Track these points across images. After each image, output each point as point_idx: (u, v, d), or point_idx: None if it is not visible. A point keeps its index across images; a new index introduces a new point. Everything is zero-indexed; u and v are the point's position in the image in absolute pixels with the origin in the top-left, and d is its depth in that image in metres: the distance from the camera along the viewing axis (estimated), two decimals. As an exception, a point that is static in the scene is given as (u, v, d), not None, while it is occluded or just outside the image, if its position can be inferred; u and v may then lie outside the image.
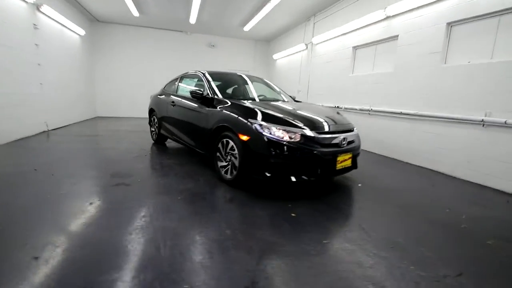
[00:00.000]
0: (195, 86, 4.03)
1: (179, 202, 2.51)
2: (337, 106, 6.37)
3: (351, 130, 3.09)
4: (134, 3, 6.99)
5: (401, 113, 4.71)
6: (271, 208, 2.48)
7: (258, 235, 1.99)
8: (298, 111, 3.07)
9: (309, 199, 2.78)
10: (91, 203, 2.36)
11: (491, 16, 3.48)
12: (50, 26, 6.09)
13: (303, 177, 2.63)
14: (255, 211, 2.40)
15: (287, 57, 9.44)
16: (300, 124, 2.71)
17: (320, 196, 2.88)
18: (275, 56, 10.23)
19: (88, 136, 5.72)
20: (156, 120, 5.06)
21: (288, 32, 9.26)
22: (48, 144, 4.76)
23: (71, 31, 7.29)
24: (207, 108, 3.39)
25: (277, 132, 2.60)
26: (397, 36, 4.84)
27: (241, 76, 4.26)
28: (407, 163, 4.59)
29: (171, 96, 4.49)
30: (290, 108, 3.21)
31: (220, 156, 3.12)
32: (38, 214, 2.13)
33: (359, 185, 3.29)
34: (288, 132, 2.61)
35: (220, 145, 3.10)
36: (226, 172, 3.05)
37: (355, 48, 6.02)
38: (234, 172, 2.90)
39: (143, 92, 10.04)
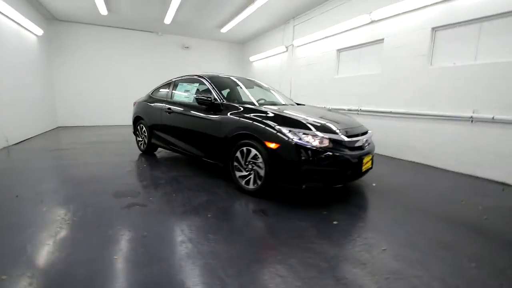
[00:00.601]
0: (195, 92, 3.76)
1: (211, 220, 2.28)
2: (324, 107, 6.53)
3: (367, 132, 3.15)
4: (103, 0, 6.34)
5: (390, 112, 4.99)
6: (309, 218, 2.39)
7: (318, 249, 1.88)
8: (318, 115, 3.02)
9: (337, 202, 2.75)
10: (121, 234, 2.02)
11: (473, 23, 3.84)
12: (2, 24, 5.21)
13: (336, 182, 2.59)
14: (297, 223, 2.28)
15: (265, 59, 9.44)
16: (335, 129, 2.68)
17: (345, 198, 2.87)
18: (251, 58, 10.16)
19: (61, 151, 5.00)
20: (144, 128, 4.63)
21: (265, 34, 9.27)
22: (16, 163, 4.04)
23: (27, 30, 6.34)
24: (216, 115, 3.18)
25: (306, 138, 2.53)
26: (383, 39, 5.12)
27: (230, 78, 4.00)
28: (400, 159, 4.86)
29: (164, 102, 4.14)
30: (308, 112, 3.16)
31: (239, 166, 2.94)
32: (56, 256, 1.75)
33: (374, 184, 3.38)
34: (317, 137, 2.55)
35: (238, 154, 2.92)
36: (247, 183, 2.88)
37: (339, 50, 6.23)
38: (259, 182, 2.75)
39: (114, 97, 9.23)
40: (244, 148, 2.84)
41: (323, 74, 6.68)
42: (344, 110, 5.97)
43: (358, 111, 5.66)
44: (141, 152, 4.90)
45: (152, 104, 4.44)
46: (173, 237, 1.99)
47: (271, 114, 2.81)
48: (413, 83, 4.61)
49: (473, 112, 3.82)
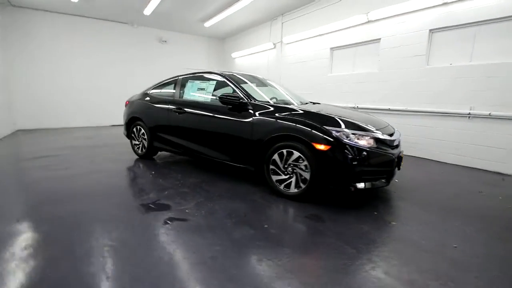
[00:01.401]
0: (213, 90, 3.46)
1: (271, 232, 2.10)
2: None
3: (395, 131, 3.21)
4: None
5: (389, 110, 5.22)
6: (365, 220, 2.34)
7: (403, 253, 1.84)
8: (349, 115, 2.99)
9: (381, 201, 2.76)
10: (184, 258, 1.73)
11: (469, 26, 4.16)
12: None
13: (382, 181, 2.59)
14: (358, 227, 2.22)
15: (250, 56, 9.24)
16: (372, 128, 2.66)
17: (377, 197, 2.90)
18: (234, 55, 9.87)
19: (41, 159, 4.25)
20: (143, 131, 4.16)
21: (250, 30, 9.06)
22: (-13, 177, 3.33)
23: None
24: (245, 116, 2.96)
25: (355, 138, 2.47)
26: (380, 39, 5.31)
27: (241, 75, 3.70)
28: (399, 154, 5.12)
29: (171, 102, 3.76)
30: (344, 111, 3.12)
31: (277, 169, 2.78)
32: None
33: (396, 180, 3.47)
34: (365, 137, 2.51)
35: (276, 157, 2.76)
36: (287, 186, 2.74)
37: (333, 49, 6.33)
38: (302, 186, 2.63)
39: (83, 96, 8.25)
40: (284, 151, 2.69)
41: (316, 71, 6.74)
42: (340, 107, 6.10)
43: (355, 108, 5.82)
44: (137, 157, 4.42)
45: (155, 104, 4.01)
46: (246, 257, 1.77)
47: (313, 114, 2.70)
48: (411, 82, 4.87)
49: (470, 109, 4.16)
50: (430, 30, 4.57)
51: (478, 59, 4.09)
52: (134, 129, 4.36)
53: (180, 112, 3.60)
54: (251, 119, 2.92)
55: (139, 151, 4.36)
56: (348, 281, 1.54)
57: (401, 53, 4.97)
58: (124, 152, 4.79)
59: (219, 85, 3.44)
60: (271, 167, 2.82)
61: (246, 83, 3.46)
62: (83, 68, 8.12)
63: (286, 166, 2.72)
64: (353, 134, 2.48)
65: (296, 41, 7.20)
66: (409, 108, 4.91)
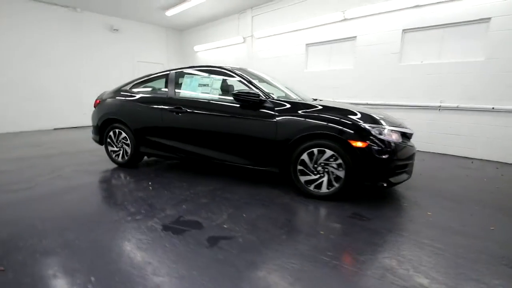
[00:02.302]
0: (217, 86, 3.09)
1: (330, 238, 1.96)
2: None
3: None
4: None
5: (367, 104, 5.55)
6: (401, 214, 2.40)
7: (457, 242, 1.90)
8: (367, 110, 3.02)
9: (392, 192, 2.87)
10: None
11: (437, 28, 4.65)
12: None
13: (407, 174, 2.68)
14: (404, 220, 2.24)
15: (216, 50, 8.77)
16: (397, 123, 2.72)
17: (397, 189, 3.02)
18: (196, 48, 9.25)
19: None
20: (125, 134, 3.52)
21: (215, 22, 8.57)
22: None
23: None
24: (267, 114, 2.73)
25: (388, 133, 2.49)
26: (356, 37, 5.57)
27: (246, 71, 3.44)
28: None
29: (164, 100, 3.25)
30: (353, 106, 3.12)
31: (306, 170, 2.64)
32: None
33: (420, 174, 3.62)
34: (395, 131, 2.56)
35: (305, 157, 2.61)
36: (317, 187, 2.62)
37: (308, 45, 6.42)
38: (336, 185, 2.54)
39: (21, 93, 6.69)
40: (315, 150, 2.56)
41: (291, 68, 6.76)
42: (318, 102, 6.26)
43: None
44: (115, 166, 3.73)
45: (140, 103, 3.41)
46: (342, 273, 1.59)
47: (339, 110, 2.62)
48: (385, 78, 5.26)
49: (441, 102, 4.70)
50: (403, 30, 4.97)
51: (446, 58, 4.63)
52: (111, 133, 3.65)
53: (179, 112, 3.13)
54: (274, 118, 2.70)
55: (119, 159, 3.68)
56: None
57: (376, 51, 5.31)
58: (94, 162, 4.00)
59: (226, 81, 3.10)
60: (299, 167, 2.66)
61: (255, 79, 3.19)
62: (21, 62, 6.55)
63: (315, 165, 2.60)
64: (384, 129, 2.49)
65: (269, 36, 7.09)
66: (384, 102, 5.30)
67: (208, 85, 3.12)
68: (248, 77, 3.00)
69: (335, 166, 2.51)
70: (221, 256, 1.72)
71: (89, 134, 4.36)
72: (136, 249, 1.79)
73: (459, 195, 2.85)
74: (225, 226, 2.12)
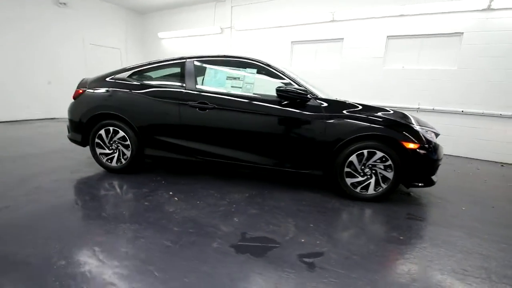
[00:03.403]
0: (251, 81, 2.74)
1: (412, 242, 1.92)
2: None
3: None
4: None
5: (352, 104, 5.81)
6: (441, 211, 2.54)
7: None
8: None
9: (424, 192, 3.05)
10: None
11: (417, 37, 5.13)
12: None
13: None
14: (451, 214, 2.37)
15: (186, 39, 8.02)
16: (429, 124, 2.85)
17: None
18: (162, 35, 8.30)
19: None
20: (124, 134, 2.85)
21: (185, 8, 7.80)
22: None
23: None
24: (314, 113, 2.55)
25: (430, 134, 2.60)
26: (343, 39, 5.76)
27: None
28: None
29: (180, 93, 2.73)
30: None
31: (353, 171, 2.56)
32: None
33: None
34: (433, 132, 2.68)
35: (354, 158, 2.52)
36: (364, 188, 2.58)
37: (294, 43, 6.38)
38: (384, 186, 2.54)
39: None
40: (365, 151, 2.50)
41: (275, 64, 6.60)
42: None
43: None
44: (104, 171, 3.02)
45: (150, 96, 2.79)
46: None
47: (399, 112, 2.65)
48: (370, 80, 5.59)
49: (419, 105, 5.23)
50: (388, 36, 5.35)
51: (425, 65, 5.16)
52: (102, 132, 2.91)
53: (205, 108, 2.67)
54: (323, 117, 2.54)
55: (113, 163, 2.97)
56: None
57: (362, 54, 5.60)
58: (73, 166, 3.18)
59: (261, 75, 2.79)
60: (346, 169, 2.57)
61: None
62: None
63: (362, 167, 2.55)
64: (427, 130, 2.59)
65: (251, 29, 6.79)
66: (367, 104, 5.63)
67: (239, 78, 2.74)
68: (285, 72, 2.76)
69: (382, 167, 2.51)
70: (335, 279, 1.49)
71: (42, 130, 3.45)
72: (232, 284, 1.42)
73: (470, 191, 3.19)
74: (302, 240, 1.87)
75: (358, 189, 2.59)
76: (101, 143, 2.96)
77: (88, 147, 3.05)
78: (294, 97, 2.52)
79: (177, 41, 8.22)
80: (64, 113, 7.06)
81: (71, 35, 6.94)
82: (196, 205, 2.34)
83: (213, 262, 1.57)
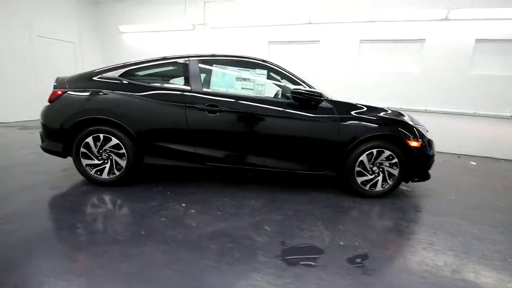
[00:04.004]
0: (261, 82, 2.64)
1: (448, 235, 2.08)
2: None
3: None
4: None
5: (329, 104, 6.08)
6: (442, 203, 2.82)
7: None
8: None
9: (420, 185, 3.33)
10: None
11: (385, 42, 5.58)
12: None
13: None
14: (457, 204, 2.64)
15: (153, 34, 7.41)
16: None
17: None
18: (123, 29, 7.55)
19: None
20: (121, 141, 2.49)
21: (150, 0, 7.19)
22: None
23: None
24: (327, 114, 2.58)
25: (425, 131, 2.84)
26: (319, 41, 5.97)
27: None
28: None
29: (185, 95, 2.51)
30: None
31: (363, 170, 2.66)
32: None
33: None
34: (427, 131, 2.94)
35: (364, 158, 2.63)
36: (373, 186, 2.70)
37: (271, 43, 6.39)
38: (390, 183, 2.69)
39: None
40: (374, 150, 2.62)
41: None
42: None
43: (296, 102, 6.29)
44: (91, 185, 2.62)
45: (150, 98, 2.49)
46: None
47: (399, 112, 2.83)
48: (346, 81, 5.91)
49: (388, 105, 5.71)
50: (360, 40, 5.71)
51: (392, 67, 5.64)
52: (89, 140, 2.51)
53: (215, 111, 2.49)
54: (337, 118, 2.58)
55: (104, 176, 2.59)
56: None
57: (337, 56, 5.89)
58: (49, 182, 2.70)
59: (270, 76, 2.72)
60: (357, 168, 2.66)
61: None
62: None
63: (371, 165, 2.67)
64: (423, 127, 2.83)
65: (227, 27, 6.60)
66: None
67: (249, 80, 2.62)
68: (294, 73, 2.74)
69: (388, 164, 2.67)
70: (395, 279, 1.53)
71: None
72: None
73: (452, 181, 3.59)
74: (341, 243, 1.88)
75: (367, 187, 2.71)
76: (87, 152, 2.56)
77: (64, 159, 2.64)
78: (309, 99, 2.53)
79: (142, 36, 7.57)
80: (10, 117, 6.03)
81: (13, 24, 5.85)
82: (218, 216, 2.18)
83: (271, 278, 1.48)
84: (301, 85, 2.69)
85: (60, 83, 2.61)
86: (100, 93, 2.52)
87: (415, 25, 5.29)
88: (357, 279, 1.51)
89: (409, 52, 5.49)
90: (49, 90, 2.63)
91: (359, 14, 5.52)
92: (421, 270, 1.62)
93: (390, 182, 2.70)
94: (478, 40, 4.96)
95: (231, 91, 2.62)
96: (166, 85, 2.68)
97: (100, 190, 2.56)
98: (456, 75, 5.21)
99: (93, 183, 2.64)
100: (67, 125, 2.49)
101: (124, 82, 2.59)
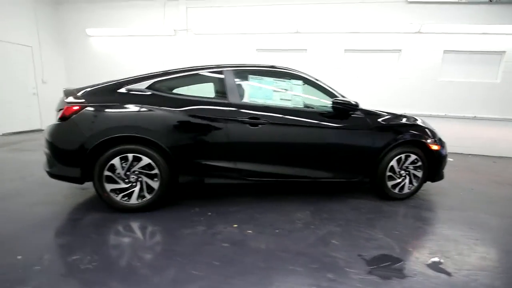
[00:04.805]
0: (298, 92, 2.61)
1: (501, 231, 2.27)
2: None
3: None
4: None
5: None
6: (454, 201, 3.11)
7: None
8: None
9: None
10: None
11: (365, 52, 6.02)
12: None
13: None
14: (470, 198, 2.92)
15: (126, 38, 6.83)
16: None
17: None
18: (91, 32, 6.82)
19: None
20: (155, 161, 2.21)
21: (122, 3, 6.63)
22: None
23: None
24: (361, 123, 2.68)
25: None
26: (306, 50, 6.17)
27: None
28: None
29: (225, 108, 2.35)
30: None
31: (393, 174, 2.80)
32: None
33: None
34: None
35: (394, 163, 2.77)
36: (401, 189, 2.86)
37: (259, 50, 6.39)
38: (415, 184, 2.89)
39: None
40: (403, 155, 2.78)
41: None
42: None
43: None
44: (113, 214, 2.28)
45: (189, 113, 2.27)
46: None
47: (408, 117, 3.02)
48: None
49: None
50: (345, 50, 6.06)
51: (374, 75, 6.10)
52: (116, 161, 2.18)
53: (256, 124, 2.38)
54: (370, 126, 2.68)
55: (133, 201, 2.26)
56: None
57: (325, 65, 6.16)
58: (59, 212, 2.26)
59: (303, 86, 2.71)
60: (388, 173, 2.79)
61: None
62: None
63: (399, 170, 2.83)
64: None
65: (213, 34, 6.41)
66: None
67: (287, 90, 2.57)
68: (328, 85, 2.79)
69: (412, 168, 2.86)
70: (483, 277, 1.62)
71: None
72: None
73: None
74: (410, 249, 1.94)
75: (396, 190, 2.86)
76: (112, 176, 2.22)
77: (59, 182, 2.30)
78: (348, 108, 2.58)
79: (114, 41, 6.92)
80: None
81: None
82: (278, 234, 2.08)
83: (380, 296, 1.45)
84: (336, 95, 2.74)
85: (74, 97, 2.22)
86: (130, 108, 2.22)
87: (393, 37, 5.81)
88: (446, 283, 1.57)
89: (388, 61, 6.01)
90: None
91: (344, 25, 5.87)
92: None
93: (415, 184, 2.89)
94: (446, 51, 5.66)
95: (270, 102, 2.54)
96: (203, 98, 2.47)
97: (128, 218, 2.24)
98: (428, 82, 5.86)
99: (118, 210, 2.29)
100: (89, 145, 2.12)
101: (157, 94, 2.33)
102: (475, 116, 5.79)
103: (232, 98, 2.44)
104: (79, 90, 2.33)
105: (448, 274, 1.65)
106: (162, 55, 6.73)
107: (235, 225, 2.18)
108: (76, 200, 2.57)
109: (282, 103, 2.57)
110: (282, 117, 2.48)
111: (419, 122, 2.99)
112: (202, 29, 6.37)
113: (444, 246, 1.99)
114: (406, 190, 2.88)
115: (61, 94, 2.43)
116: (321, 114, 2.63)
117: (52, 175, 2.25)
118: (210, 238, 1.98)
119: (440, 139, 2.93)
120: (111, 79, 2.40)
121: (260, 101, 2.52)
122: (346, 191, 3.10)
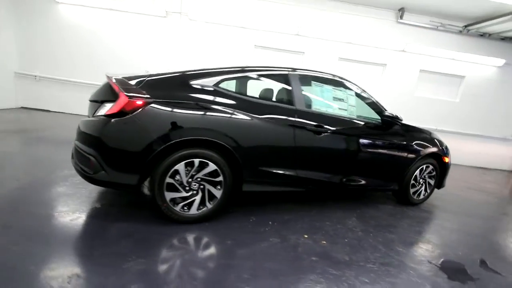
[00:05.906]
0: (353, 103, 2.69)
1: None
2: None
3: None
4: None
5: (310, 112, 6.51)
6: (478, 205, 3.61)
7: None
8: None
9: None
10: None
11: (357, 62, 6.44)
12: None
13: None
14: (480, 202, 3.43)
15: (106, 12, 5.89)
16: None
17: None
18: (60, -2, 5.70)
19: None
20: (222, 167, 2.02)
21: (105, -29, 5.69)
22: None
23: None
24: (400, 134, 2.94)
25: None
26: (304, 52, 6.27)
27: None
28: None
29: (292, 114, 2.29)
30: None
31: (415, 182, 3.13)
32: None
33: None
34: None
35: (417, 172, 3.09)
36: (418, 195, 3.22)
37: (257, 47, 6.24)
38: (428, 191, 3.27)
39: None
40: (424, 165, 3.12)
41: (235, 65, 6.22)
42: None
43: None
44: (164, 225, 2.04)
45: (261, 117, 2.14)
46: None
47: (427, 131, 3.38)
48: (323, 92, 6.48)
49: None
50: (339, 58, 6.37)
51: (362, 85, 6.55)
52: (180, 167, 1.92)
53: (320, 132, 2.37)
54: (406, 137, 2.95)
55: (192, 211, 2.03)
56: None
57: (319, 69, 6.35)
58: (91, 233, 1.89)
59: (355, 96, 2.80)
60: (412, 181, 3.10)
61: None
62: None
63: (419, 179, 3.18)
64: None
65: (210, 22, 6.00)
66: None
67: (343, 100, 2.61)
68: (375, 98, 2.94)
69: (427, 176, 3.24)
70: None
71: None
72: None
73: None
74: (460, 253, 2.22)
75: (415, 196, 3.21)
76: (175, 183, 1.95)
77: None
78: (394, 122, 2.77)
79: (90, 12, 5.89)
80: None
81: None
82: (349, 244, 2.14)
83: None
84: (382, 108, 2.90)
85: (132, 89, 1.86)
86: (205, 108, 1.97)
87: (381, 52, 6.35)
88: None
89: (374, 74, 6.55)
90: None
91: (340, 34, 6.15)
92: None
93: (428, 191, 3.29)
94: (421, 70, 6.44)
95: (330, 111, 2.56)
96: (276, 103, 2.40)
97: (193, 231, 2.00)
98: (406, 95, 6.59)
99: (176, 221, 2.03)
100: (156, 147, 1.82)
101: (234, 96, 2.16)
102: (436, 129, 6.76)
103: (298, 104, 2.38)
104: (130, 78, 1.97)
105: (498, 273, 1.95)
106: (151, 37, 6.03)
107: (306, 236, 2.16)
108: (108, 208, 2.18)
109: (341, 112, 2.62)
110: (343, 127, 2.54)
111: (434, 136, 3.38)
112: (197, 15, 5.91)
113: (478, 247, 2.33)
114: (421, 196, 3.25)
115: (103, 80, 2.03)
116: (373, 125, 2.79)
117: (97, 181, 1.86)
118: (292, 251, 1.93)
119: (448, 151, 3.37)
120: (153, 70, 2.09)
121: (322, 109, 2.52)
122: (368, 196, 3.33)
